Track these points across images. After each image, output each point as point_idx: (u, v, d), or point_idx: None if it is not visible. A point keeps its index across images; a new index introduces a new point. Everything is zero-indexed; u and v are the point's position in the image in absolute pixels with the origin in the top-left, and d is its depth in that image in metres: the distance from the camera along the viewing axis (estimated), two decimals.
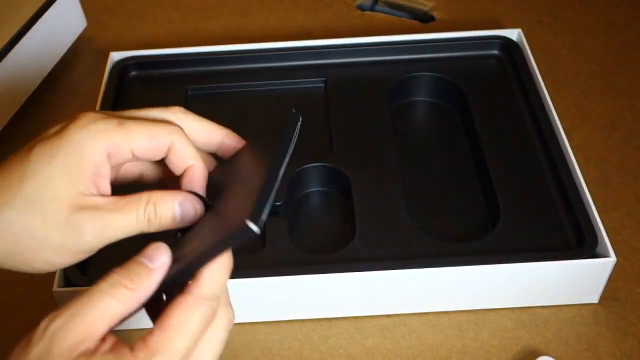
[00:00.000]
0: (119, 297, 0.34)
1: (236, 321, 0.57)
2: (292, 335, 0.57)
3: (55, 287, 0.54)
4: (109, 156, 0.39)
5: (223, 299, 0.37)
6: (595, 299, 0.58)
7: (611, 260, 0.54)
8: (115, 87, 0.70)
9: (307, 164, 0.63)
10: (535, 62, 0.70)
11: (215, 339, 0.36)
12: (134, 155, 0.40)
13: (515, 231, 0.57)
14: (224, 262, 0.37)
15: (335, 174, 0.63)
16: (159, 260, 0.36)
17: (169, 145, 0.40)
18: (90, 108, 0.69)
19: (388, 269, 0.54)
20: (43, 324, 0.34)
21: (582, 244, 0.55)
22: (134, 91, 0.72)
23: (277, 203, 0.59)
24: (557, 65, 0.80)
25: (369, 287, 0.55)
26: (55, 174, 0.37)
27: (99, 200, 0.38)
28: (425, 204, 0.63)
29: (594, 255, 0.55)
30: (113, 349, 0.34)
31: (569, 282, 0.56)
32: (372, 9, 0.90)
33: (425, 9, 0.89)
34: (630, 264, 0.61)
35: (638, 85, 0.77)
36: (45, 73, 0.79)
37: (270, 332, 0.57)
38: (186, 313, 0.35)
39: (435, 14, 0.88)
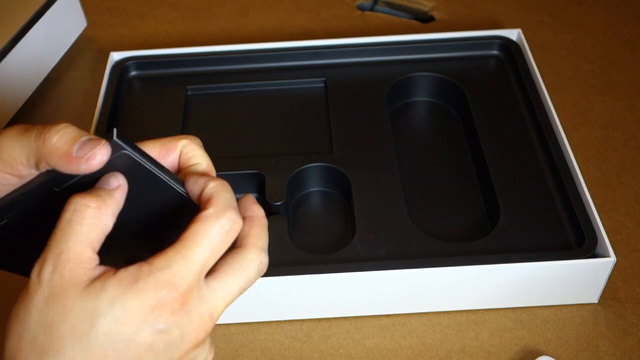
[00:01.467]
0: (88, 219, 0.34)
1: (236, 321, 0.57)
2: (292, 335, 0.57)
3: None
4: None
5: (261, 246, 0.38)
6: (595, 299, 0.58)
7: (611, 260, 0.54)
8: (115, 87, 0.70)
9: (307, 164, 0.63)
10: (535, 62, 0.70)
11: (244, 274, 0.37)
12: None
13: (515, 231, 0.57)
14: (222, 182, 0.37)
15: (335, 174, 0.63)
16: (115, 183, 0.36)
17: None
18: (91, 108, 0.69)
19: (388, 269, 0.54)
20: (33, 274, 0.34)
21: (582, 244, 0.55)
22: (134, 91, 0.73)
23: (277, 203, 0.59)
24: (557, 65, 0.80)
25: (369, 287, 0.55)
26: None
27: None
28: (425, 204, 0.63)
29: (594, 255, 0.55)
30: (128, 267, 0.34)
31: (569, 282, 0.56)
32: (372, 9, 0.91)
33: (425, 9, 0.89)
34: (630, 264, 0.61)
35: (638, 85, 0.77)
36: (46, 73, 0.79)
37: (270, 332, 0.57)
38: (203, 225, 0.35)
39: (435, 14, 0.88)
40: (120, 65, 0.73)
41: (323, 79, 0.72)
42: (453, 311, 0.58)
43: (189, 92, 0.72)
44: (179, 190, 0.38)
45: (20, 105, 0.75)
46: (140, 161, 0.36)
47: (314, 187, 0.65)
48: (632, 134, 0.72)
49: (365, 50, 0.73)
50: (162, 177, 0.37)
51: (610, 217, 0.64)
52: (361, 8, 0.90)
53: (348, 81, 0.72)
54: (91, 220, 0.34)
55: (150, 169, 0.37)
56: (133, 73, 0.74)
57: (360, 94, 0.70)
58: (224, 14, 0.90)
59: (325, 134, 0.67)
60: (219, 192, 0.36)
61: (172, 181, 0.38)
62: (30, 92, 0.76)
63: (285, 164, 0.63)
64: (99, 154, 0.35)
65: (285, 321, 0.58)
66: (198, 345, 0.35)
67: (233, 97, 0.72)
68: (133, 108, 0.71)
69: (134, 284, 0.33)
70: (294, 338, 0.57)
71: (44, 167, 0.36)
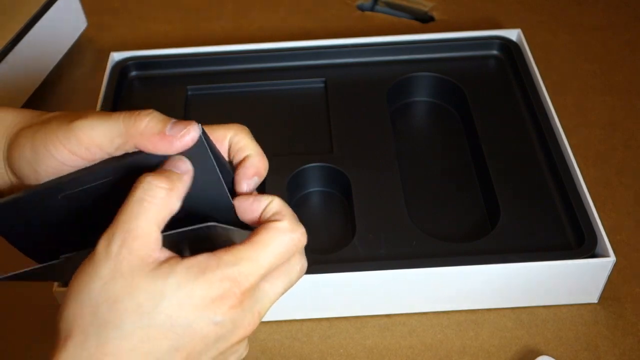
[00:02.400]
0: (159, 199, 0.35)
1: None
2: (292, 335, 0.57)
3: (55, 287, 0.54)
4: None
5: (302, 250, 0.39)
6: (594, 299, 0.58)
7: (611, 260, 0.54)
8: (116, 87, 0.70)
9: (307, 164, 0.63)
10: (535, 62, 0.70)
11: (289, 276, 0.39)
12: None
13: (515, 231, 0.58)
14: (281, 200, 0.39)
15: (335, 174, 0.63)
16: (185, 167, 0.37)
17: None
18: (91, 108, 0.69)
19: (388, 269, 0.54)
20: (100, 247, 0.34)
21: (581, 244, 0.55)
22: (134, 91, 0.73)
23: None
24: (557, 65, 0.80)
25: (369, 287, 0.55)
26: None
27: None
28: (425, 204, 0.63)
29: (594, 255, 0.55)
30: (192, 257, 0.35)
31: (569, 282, 0.56)
32: (372, 9, 0.91)
33: (425, 9, 0.89)
34: (629, 264, 0.61)
35: (638, 85, 0.77)
36: (46, 73, 0.79)
37: (270, 332, 0.57)
38: (277, 234, 0.36)
39: (435, 14, 0.88)
40: (121, 65, 0.73)
41: (323, 79, 0.72)
42: (453, 311, 0.58)
43: (189, 92, 0.72)
44: (229, 202, 0.38)
45: (20, 105, 0.75)
46: (212, 160, 0.37)
47: (314, 187, 0.65)
48: (632, 134, 0.72)
49: (365, 50, 0.73)
50: (223, 186, 0.38)
51: (610, 217, 0.64)
52: (361, 8, 0.90)
53: (348, 81, 0.72)
54: (162, 201, 0.35)
55: (217, 172, 0.37)
56: (133, 73, 0.74)
57: (360, 94, 0.70)
58: (224, 14, 0.90)
59: (325, 134, 0.67)
60: (286, 208, 0.38)
61: (227, 192, 0.38)
62: (30, 92, 0.76)
63: (285, 164, 0.63)
64: (193, 131, 0.36)
65: (285, 321, 0.58)
66: (242, 340, 0.37)
67: (233, 97, 0.72)
68: (133, 108, 0.70)
69: (203, 273, 0.34)
70: (294, 338, 0.57)
71: (128, 149, 0.37)
